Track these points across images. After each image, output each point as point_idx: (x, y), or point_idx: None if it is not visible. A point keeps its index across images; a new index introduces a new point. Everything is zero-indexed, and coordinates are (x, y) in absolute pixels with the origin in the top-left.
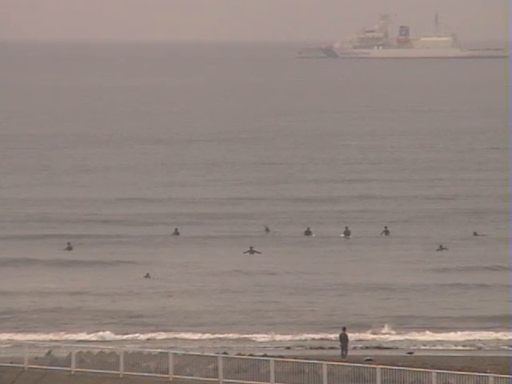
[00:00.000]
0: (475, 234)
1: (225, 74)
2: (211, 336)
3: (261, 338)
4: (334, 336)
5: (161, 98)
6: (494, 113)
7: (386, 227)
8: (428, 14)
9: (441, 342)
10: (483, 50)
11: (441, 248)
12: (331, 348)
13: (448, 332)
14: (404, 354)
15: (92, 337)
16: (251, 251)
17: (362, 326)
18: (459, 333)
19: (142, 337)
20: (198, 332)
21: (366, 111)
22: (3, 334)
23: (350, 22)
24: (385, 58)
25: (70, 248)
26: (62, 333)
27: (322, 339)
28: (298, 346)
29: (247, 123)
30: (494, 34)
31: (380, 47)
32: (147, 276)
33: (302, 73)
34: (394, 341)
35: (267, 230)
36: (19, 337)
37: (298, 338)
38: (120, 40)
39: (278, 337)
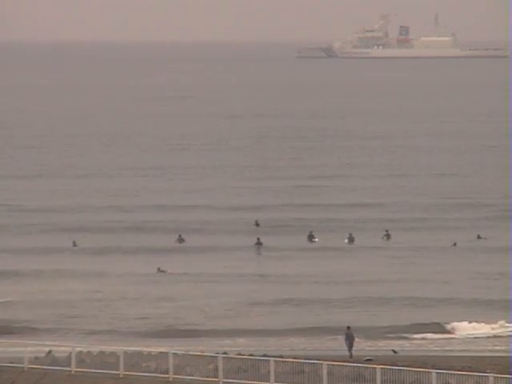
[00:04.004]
0: (479, 237)
1: (224, 75)
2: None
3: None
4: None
5: (160, 99)
6: (497, 115)
7: (386, 230)
8: (428, 14)
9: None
10: (483, 49)
11: (454, 244)
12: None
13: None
14: (390, 353)
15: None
16: (259, 243)
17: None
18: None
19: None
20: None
21: (368, 114)
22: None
23: (350, 22)
24: (385, 57)
25: (74, 245)
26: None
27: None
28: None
29: (247, 125)
30: (494, 34)
31: (380, 47)
32: (159, 271)
33: (302, 72)
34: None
35: (257, 224)
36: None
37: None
38: (119, 41)
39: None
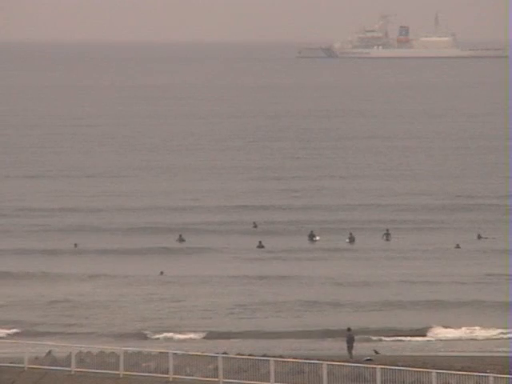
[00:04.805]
0: (479, 236)
1: (224, 75)
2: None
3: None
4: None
5: (161, 99)
6: (498, 115)
7: (387, 230)
8: (428, 14)
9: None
10: (483, 49)
11: (457, 246)
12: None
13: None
14: (371, 352)
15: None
16: (260, 246)
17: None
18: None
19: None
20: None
21: (369, 114)
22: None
23: (350, 22)
24: (385, 57)
25: (75, 245)
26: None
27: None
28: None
29: (247, 125)
30: (494, 34)
31: (380, 47)
32: (162, 274)
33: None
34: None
35: (255, 226)
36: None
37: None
38: (120, 41)
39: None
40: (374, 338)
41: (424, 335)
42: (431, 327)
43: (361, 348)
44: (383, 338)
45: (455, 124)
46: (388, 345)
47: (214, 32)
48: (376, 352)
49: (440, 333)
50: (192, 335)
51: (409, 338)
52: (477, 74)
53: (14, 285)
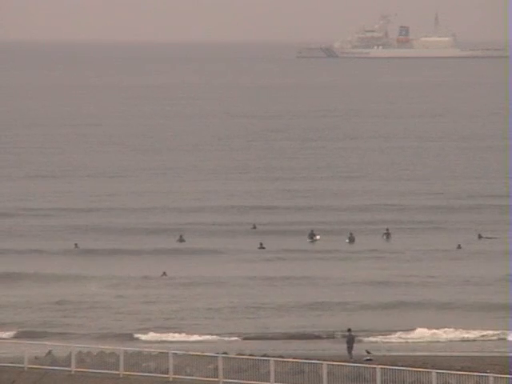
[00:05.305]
0: (480, 236)
1: (224, 75)
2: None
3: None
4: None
5: (161, 100)
6: (498, 115)
7: (387, 229)
8: (428, 14)
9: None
10: (483, 50)
11: (459, 247)
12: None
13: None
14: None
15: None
16: (261, 248)
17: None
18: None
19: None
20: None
21: (370, 114)
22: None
23: (350, 22)
24: (385, 57)
25: (76, 246)
26: None
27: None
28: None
29: (247, 125)
30: (494, 34)
31: (380, 47)
32: (164, 274)
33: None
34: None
35: (254, 227)
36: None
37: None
38: (120, 41)
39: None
40: (374, 338)
41: (423, 335)
42: (431, 327)
43: (360, 348)
44: (383, 339)
45: (455, 124)
46: (388, 345)
47: (214, 32)
48: (368, 352)
49: (440, 333)
50: (193, 335)
51: (408, 338)
52: (477, 74)
53: (14, 285)
